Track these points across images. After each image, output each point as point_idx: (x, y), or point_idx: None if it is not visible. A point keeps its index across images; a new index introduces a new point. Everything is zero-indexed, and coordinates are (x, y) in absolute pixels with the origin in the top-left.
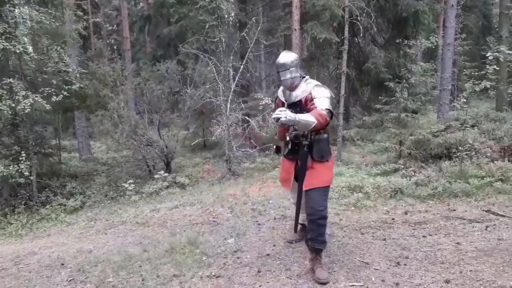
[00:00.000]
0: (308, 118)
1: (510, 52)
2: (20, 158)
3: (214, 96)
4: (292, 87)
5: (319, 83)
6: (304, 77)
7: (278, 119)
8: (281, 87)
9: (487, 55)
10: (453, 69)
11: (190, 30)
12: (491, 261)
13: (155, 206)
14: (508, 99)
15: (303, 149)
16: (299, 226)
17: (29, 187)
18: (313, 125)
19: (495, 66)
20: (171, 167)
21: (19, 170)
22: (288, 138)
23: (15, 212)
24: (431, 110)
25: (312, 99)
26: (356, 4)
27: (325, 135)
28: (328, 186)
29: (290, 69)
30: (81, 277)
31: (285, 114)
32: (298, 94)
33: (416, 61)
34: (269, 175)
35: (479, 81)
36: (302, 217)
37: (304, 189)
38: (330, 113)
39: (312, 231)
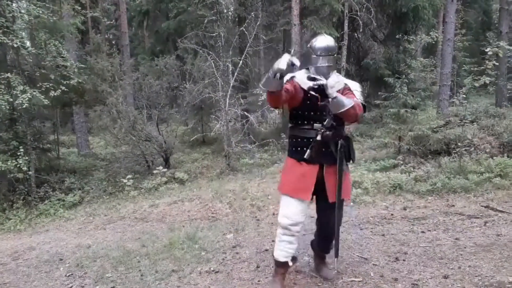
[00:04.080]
0: (346, 99)
1: (510, 47)
2: (19, 153)
3: (213, 91)
4: (325, 76)
5: (350, 80)
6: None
7: (320, 85)
8: (297, 74)
9: (486, 51)
10: (453, 64)
11: (189, 25)
12: (490, 257)
13: (154, 202)
14: (507, 94)
15: (341, 151)
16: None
17: (28, 182)
18: (347, 108)
19: (494, 62)
20: (170, 162)
21: (18, 165)
22: (318, 138)
23: (14, 207)
24: (430, 105)
25: (349, 89)
26: None
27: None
28: None
29: (334, 55)
30: (80, 273)
31: (325, 81)
32: (331, 84)
33: (416, 57)
34: (268, 170)
35: (479, 77)
36: (289, 251)
37: (331, 201)
38: (364, 108)
39: (324, 244)
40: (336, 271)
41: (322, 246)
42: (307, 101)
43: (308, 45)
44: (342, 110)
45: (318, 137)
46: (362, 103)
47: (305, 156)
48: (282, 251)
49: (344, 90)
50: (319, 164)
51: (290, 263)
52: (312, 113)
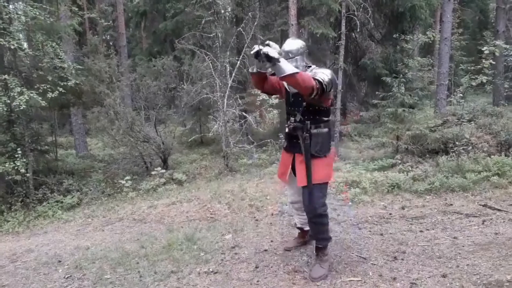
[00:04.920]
0: (291, 67)
1: (507, 46)
2: (16, 155)
3: (211, 92)
4: None
5: (323, 68)
6: (310, 66)
7: (258, 52)
8: None
9: (483, 50)
10: (450, 64)
11: (186, 25)
12: (488, 255)
13: (152, 203)
14: (504, 93)
15: (304, 143)
16: (297, 232)
17: (26, 184)
18: (288, 73)
19: (491, 61)
20: (168, 163)
21: (15, 167)
22: (287, 130)
23: (12, 209)
24: (428, 105)
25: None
26: None
27: (325, 129)
28: (326, 183)
29: (295, 57)
30: (79, 274)
31: (267, 49)
32: None
33: (413, 56)
34: (267, 171)
35: (476, 76)
36: (301, 220)
37: (298, 185)
38: (320, 84)
39: (311, 229)
40: (327, 269)
41: (310, 231)
42: (288, 98)
43: None
44: (284, 75)
45: (286, 130)
46: (317, 79)
47: (283, 146)
48: (297, 219)
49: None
50: (292, 153)
51: (306, 227)
52: (290, 107)
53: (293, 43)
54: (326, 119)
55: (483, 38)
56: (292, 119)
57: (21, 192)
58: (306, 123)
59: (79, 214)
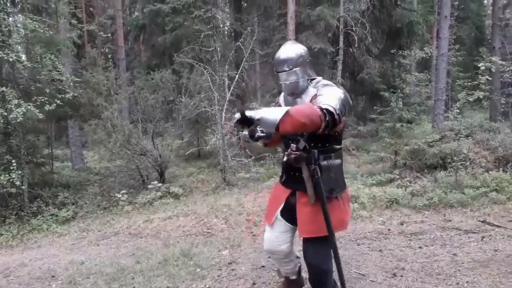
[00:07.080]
0: (275, 112)
1: (503, 62)
2: (12, 168)
3: (209, 105)
4: (296, 93)
5: (330, 83)
6: (314, 78)
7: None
8: (282, 93)
9: (479, 66)
10: (447, 79)
11: (185, 39)
12: (488, 272)
13: (148, 217)
14: (501, 109)
15: (314, 177)
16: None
17: (20, 197)
18: (277, 121)
19: (487, 77)
20: (165, 177)
21: (10, 180)
22: (284, 159)
23: (6, 222)
24: (425, 120)
25: (315, 97)
26: (351, 15)
27: (338, 161)
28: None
29: (295, 69)
30: None
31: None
32: (307, 101)
33: (411, 72)
34: (264, 185)
35: (473, 91)
36: (286, 270)
37: (301, 236)
38: (330, 114)
39: (313, 285)
40: None
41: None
42: None
43: None
44: (274, 125)
45: (285, 159)
46: (327, 107)
47: (281, 180)
48: (281, 268)
49: (312, 99)
50: (291, 190)
51: (293, 277)
52: None
53: (292, 49)
54: (338, 147)
55: (479, 54)
56: (293, 145)
57: (15, 205)
58: (313, 151)
59: (74, 228)
